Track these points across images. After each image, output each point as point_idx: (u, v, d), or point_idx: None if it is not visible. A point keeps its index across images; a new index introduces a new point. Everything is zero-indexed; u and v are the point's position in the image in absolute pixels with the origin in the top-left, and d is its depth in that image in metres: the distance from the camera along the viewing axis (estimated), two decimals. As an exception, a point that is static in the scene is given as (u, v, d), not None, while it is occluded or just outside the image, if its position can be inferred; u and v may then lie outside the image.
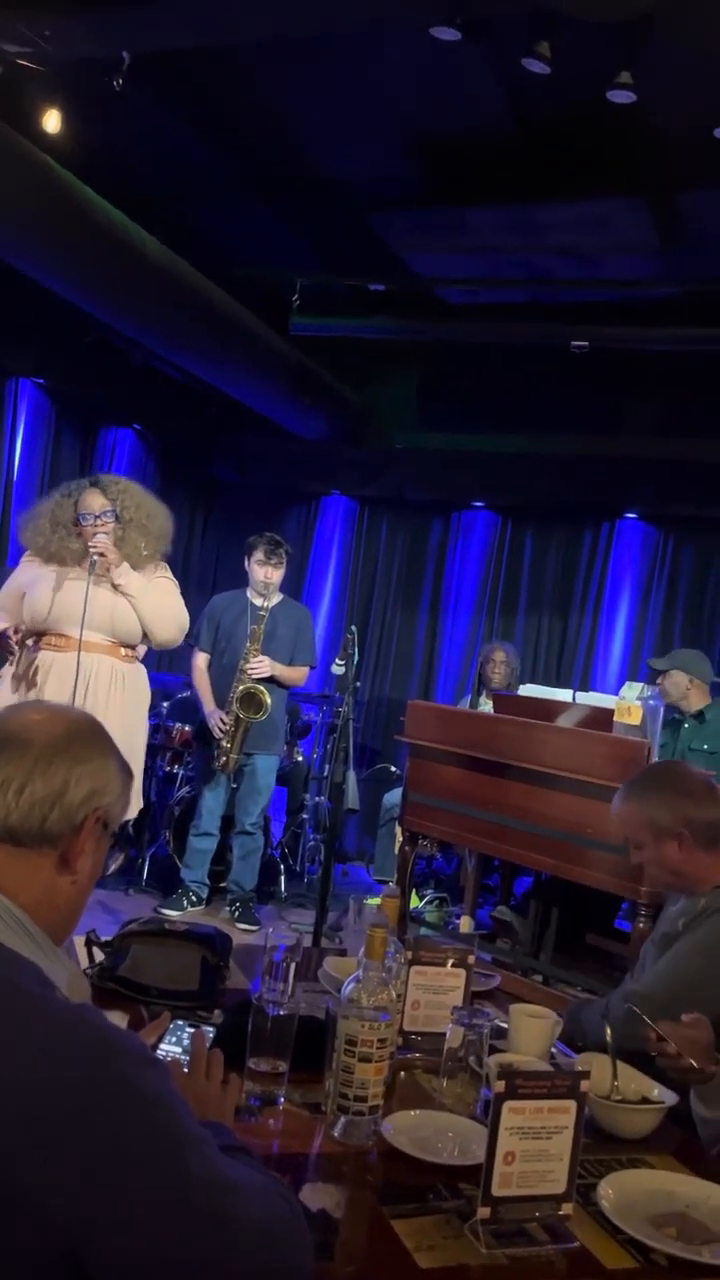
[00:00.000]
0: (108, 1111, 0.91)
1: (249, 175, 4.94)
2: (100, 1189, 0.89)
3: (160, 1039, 1.50)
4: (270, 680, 4.85)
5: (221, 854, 5.13)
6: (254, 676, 4.77)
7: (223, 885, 5.11)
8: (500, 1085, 1.27)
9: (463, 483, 6.84)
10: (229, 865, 5.08)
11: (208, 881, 5.07)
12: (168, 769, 5.69)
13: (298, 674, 5.02)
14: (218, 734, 4.81)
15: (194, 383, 6.36)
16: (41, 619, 3.37)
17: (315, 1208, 1.28)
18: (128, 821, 5.84)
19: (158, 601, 3.49)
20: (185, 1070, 1.35)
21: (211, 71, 4.10)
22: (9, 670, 3.45)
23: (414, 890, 5.53)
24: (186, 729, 5.56)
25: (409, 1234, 1.25)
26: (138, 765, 3.55)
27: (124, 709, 3.41)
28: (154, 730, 5.70)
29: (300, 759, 5.97)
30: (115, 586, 3.40)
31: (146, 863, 5.38)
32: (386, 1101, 1.57)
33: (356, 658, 4.09)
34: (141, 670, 3.55)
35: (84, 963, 2.03)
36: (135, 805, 3.57)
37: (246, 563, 4.97)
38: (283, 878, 5.54)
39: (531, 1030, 1.79)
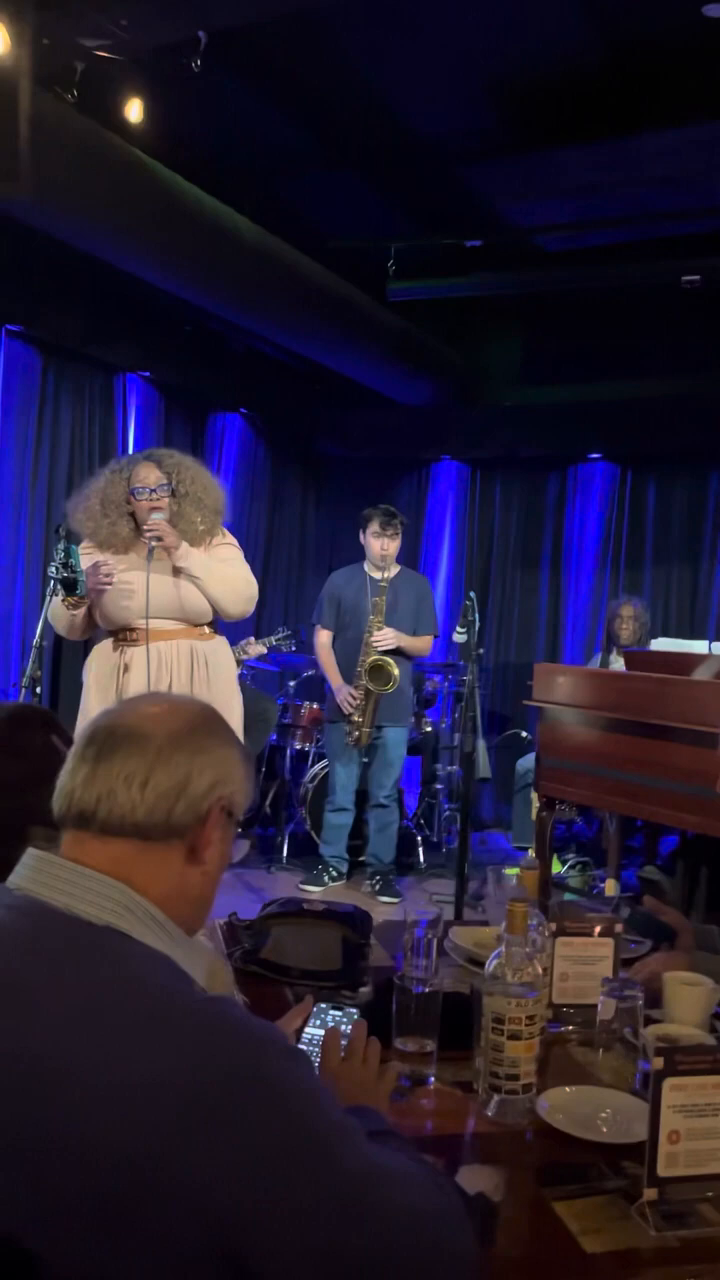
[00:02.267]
0: (251, 1107, 0.89)
1: (335, 143, 4.86)
2: (250, 1185, 0.87)
3: (305, 1023, 1.49)
4: (396, 652, 4.83)
5: (358, 828, 5.16)
6: (380, 649, 4.76)
7: (361, 859, 5.14)
8: (659, 1062, 1.21)
9: (576, 435, 6.64)
10: (366, 839, 5.10)
11: (346, 856, 5.11)
12: (299, 747, 5.74)
13: (423, 644, 4.99)
14: (348, 709, 4.82)
15: (296, 361, 6.35)
16: (110, 618, 3.22)
17: (473, 1191, 1.24)
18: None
19: (223, 578, 3.24)
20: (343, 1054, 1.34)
21: (287, 42, 4.03)
22: (92, 671, 3.30)
23: (555, 855, 5.45)
24: (315, 706, 5.59)
25: (572, 1216, 1.21)
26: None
27: (212, 688, 3.24)
28: (283, 709, 5.77)
29: (429, 729, 5.94)
30: (177, 571, 3.20)
31: (285, 841, 5.46)
32: (541, 1077, 1.53)
33: (478, 624, 4.01)
34: (223, 643, 3.35)
35: (225, 946, 2.05)
36: None
37: (362, 536, 4.95)
38: (420, 849, 5.54)
39: (688, 998, 1.71)
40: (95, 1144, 0.87)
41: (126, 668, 3.21)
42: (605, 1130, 1.40)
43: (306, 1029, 1.49)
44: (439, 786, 5.93)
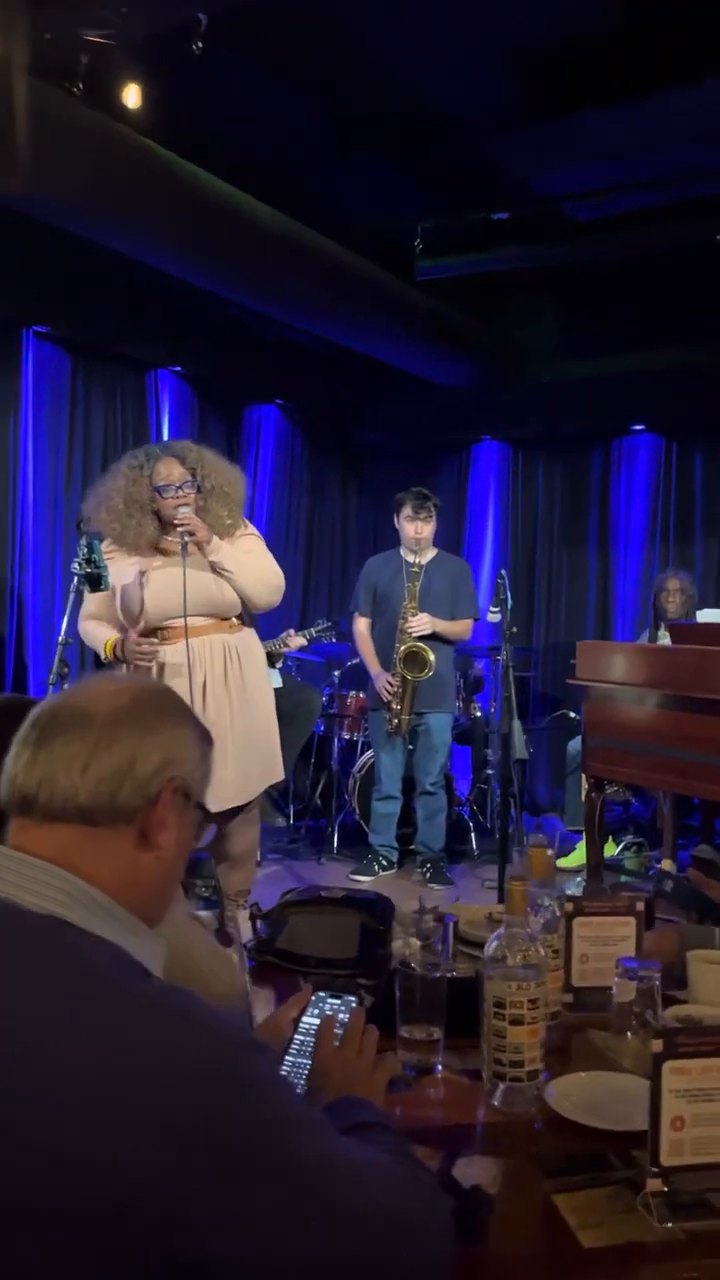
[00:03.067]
0: (216, 1104, 0.84)
1: (352, 123, 4.77)
2: (197, 1180, 0.82)
3: (303, 1012, 1.44)
4: (433, 637, 4.76)
5: (409, 817, 5.10)
6: (415, 635, 4.70)
7: (412, 848, 5.09)
8: (658, 1045, 1.14)
9: (618, 407, 6.48)
10: (416, 827, 5.04)
11: (396, 845, 5.06)
12: (348, 737, 5.71)
13: (461, 628, 4.90)
14: (386, 697, 4.76)
15: (329, 349, 6.29)
16: (140, 621, 3.15)
17: (468, 1184, 1.19)
18: (309, 789, 5.90)
19: (251, 568, 3.22)
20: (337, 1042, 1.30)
21: (297, 23, 3.96)
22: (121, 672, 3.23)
23: (611, 838, 5.34)
24: (361, 695, 5.55)
25: (572, 1210, 1.14)
26: (273, 730, 3.37)
27: (245, 680, 3.23)
28: (329, 700, 5.73)
29: (479, 714, 5.85)
30: (212, 565, 3.17)
31: (336, 831, 5.43)
32: (562, 1064, 1.47)
33: (510, 602, 3.93)
34: (251, 634, 3.32)
35: (247, 936, 2.01)
36: (267, 780, 3.42)
37: (396, 520, 4.90)
38: (473, 835, 5.46)
39: (713, 978, 1.63)
40: (58, 1146, 0.82)
41: (162, 666, 3.17)
42: (617, 1117, 1.32)
43: (304, 1018, 1.44)
44: (490, 772, 5.84)
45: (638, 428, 6.58)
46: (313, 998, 1.47)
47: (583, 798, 4.62)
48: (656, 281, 5.97)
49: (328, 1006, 1.46)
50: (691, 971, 1.65)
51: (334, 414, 7.13)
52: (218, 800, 3.16)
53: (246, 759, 3.23)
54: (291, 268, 5.01)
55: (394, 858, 5.03)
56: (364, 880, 4.80)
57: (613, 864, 4.96)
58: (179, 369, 6.02)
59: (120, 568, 3.16)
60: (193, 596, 3.09)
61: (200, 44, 3.26)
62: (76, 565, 3.18)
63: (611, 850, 5.08)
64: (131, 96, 3.54)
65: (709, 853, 4.18)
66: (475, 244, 5.59)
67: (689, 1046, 1.14)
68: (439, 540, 4.94)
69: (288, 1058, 1.37)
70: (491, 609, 4.05)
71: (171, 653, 3.16)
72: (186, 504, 3.15)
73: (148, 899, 1.05)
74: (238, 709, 3.20)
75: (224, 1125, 0.84)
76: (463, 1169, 1.23)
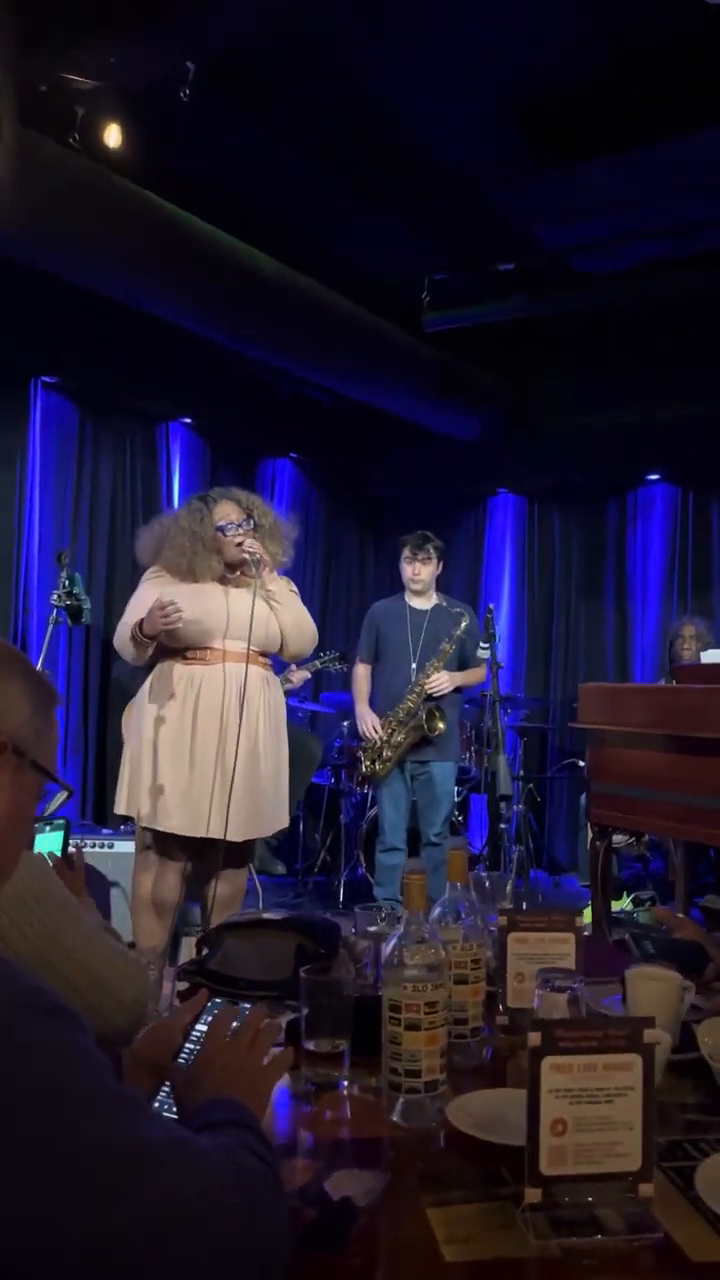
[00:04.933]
0: None
1: (357, 176, 4.84)
2: None
3: (196, 1019, 1.36)
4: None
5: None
6: (434, 693, 4.60)
7: (419, 901, 4.94)
8: (536, 1038, 1.04)
9: (633, 458, 6.44)
10: (423, 880, 4.90)
11: (400, 898, 4.90)
12: (361, 790, 5.60)
13: (476, 676, 4.81)
14: (369, 736, 4.67)
15: (343, 403, 6.32)
16: (194, 633, 3.15)
17: (338, 1196, 1.09)
18: (318, 844, 5.78)
19: (297, 609, 3.32)
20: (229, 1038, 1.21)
21: (299, 77, 4.05)
22: (157, 691, 3.21)
23: (626, 893, 5.16)
24: (369, 747, 5.46)
25: (443, 1223, 1.04)
26: (284, 773, 3.37)
27: (276, 718, 3.30)
28: (339, 751, 5.64)
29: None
30: (269, 593, 3.23)
31: (342, 886, 5.30)
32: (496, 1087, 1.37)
33: (498, 638, 3.85)
34: (274, 677, 3.38)
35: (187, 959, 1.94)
36: (279, 821, 3.37)
37: (400, 565, 4.85)
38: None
39: (651, 994, 1.51)
40: None
41: (199, 686, 3.16)
42: (515, 1133, 1.21)
43: (198, 1026, 1.35)
44: (503, 827, 5.68)
45: (653, 478, 6.52)
46: (208, 1004, 1.39)
47: (588, 847, 4.47)
48: (668, 331, 5.96)
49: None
50: (630, 988, 1.54)
51: (350, 468, 7.14)
52: (233, 830, 3.14)
53: (263, 794, 3.24)
54: (297, 320, 5.05)
55: (399, 912, 4.88)
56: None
57: (624, 918, 4.77)
58: (190, 421, 6.07)
59: (169, 589, 3.15)
60: (255, 624, 3.14)
61: (188, 91, 3.31)
62: (56, 598, 3.19)
63: (623, 904, 4.90)
64: (113, 136, 3.60)
65: (717, 903, 4.03)
66: (482, 296, 5.62)
67: (570, 1040, 1.04)
68: (458, 593, 4.87)
69: (177, 1064, 1.28)
70: (481, 645, 3.97)
71: (212, 674, 3.16)
72: (249, 537, 3.22)
73: (-23, 862, 0.99)
74: (266, 743, 3.24)
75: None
76: (341, 1181, 1.14)
